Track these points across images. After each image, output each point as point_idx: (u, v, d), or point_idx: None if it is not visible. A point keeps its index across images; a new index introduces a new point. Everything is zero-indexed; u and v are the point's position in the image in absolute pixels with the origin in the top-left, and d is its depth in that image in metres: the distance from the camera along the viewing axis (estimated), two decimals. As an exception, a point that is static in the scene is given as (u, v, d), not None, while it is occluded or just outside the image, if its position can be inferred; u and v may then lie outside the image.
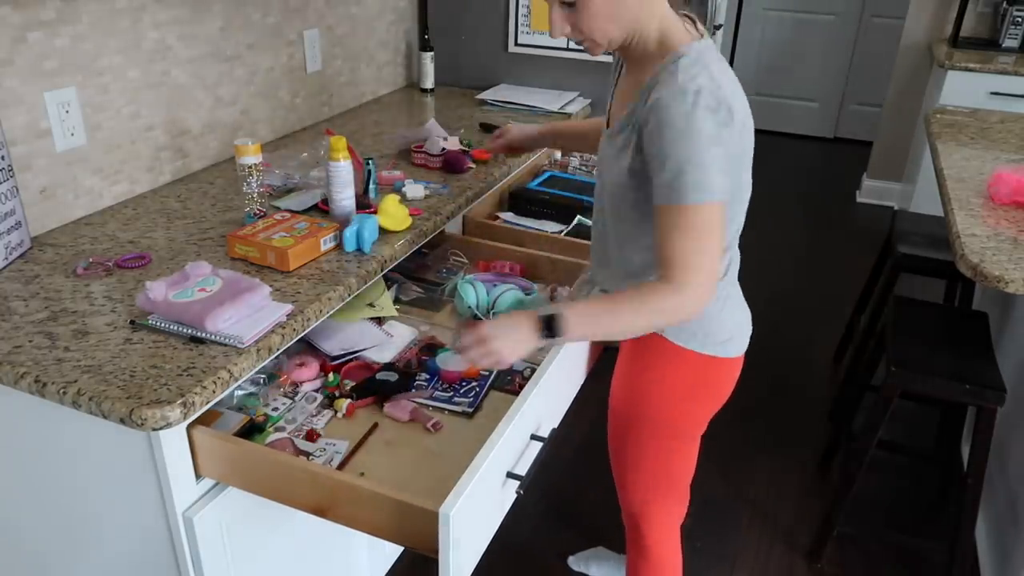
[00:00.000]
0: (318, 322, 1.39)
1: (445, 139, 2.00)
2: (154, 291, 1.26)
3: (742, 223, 1.35)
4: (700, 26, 1.26)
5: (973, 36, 3.93)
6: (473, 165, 2.02)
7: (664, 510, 1.57)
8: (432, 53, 2.74)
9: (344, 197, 1.59)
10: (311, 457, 1.29)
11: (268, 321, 1.27)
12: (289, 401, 1.42)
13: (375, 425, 1.38)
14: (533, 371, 1.46)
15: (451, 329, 1.65)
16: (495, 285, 1.68)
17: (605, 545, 2.12)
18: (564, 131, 1.79)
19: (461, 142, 2.09)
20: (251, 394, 1.41)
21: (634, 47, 1.25)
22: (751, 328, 1.45)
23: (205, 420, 1.24)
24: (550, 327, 1.18)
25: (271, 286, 1.36)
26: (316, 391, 1.45)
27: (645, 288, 1.19)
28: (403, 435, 1.37)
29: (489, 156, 2.05)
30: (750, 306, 1.44)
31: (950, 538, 1.97)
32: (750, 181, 1.31)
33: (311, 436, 1.34)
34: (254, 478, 1.21)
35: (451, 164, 1.98)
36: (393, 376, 1.48)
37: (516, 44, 2.77)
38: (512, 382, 1.50)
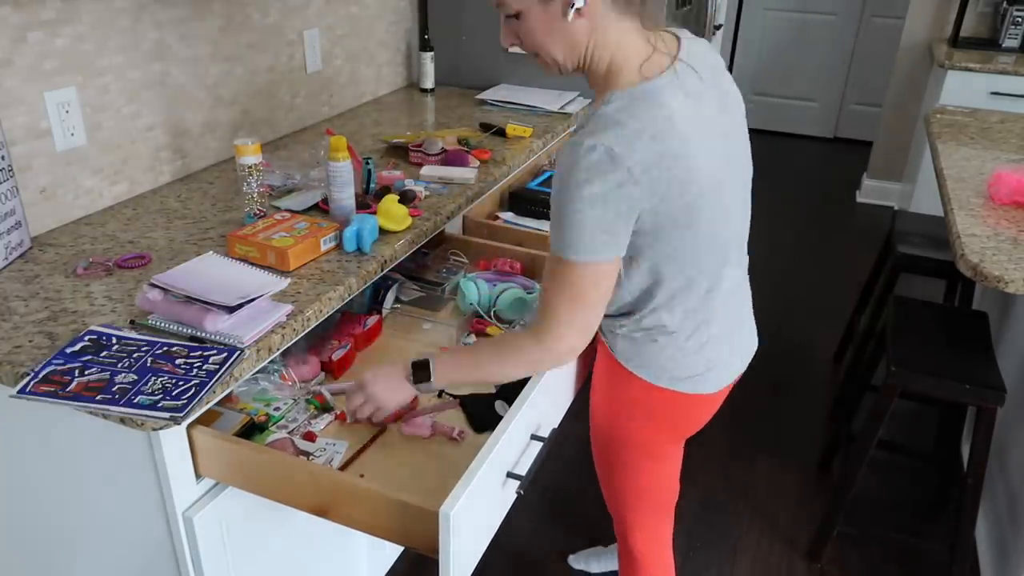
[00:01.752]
0: (317, 322, 1.39)
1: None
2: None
3: (721, 262, 1.24)
4: (681, 48, 1.17)
5: (973, 36, 3.93)
6: (477, 162, 2.01)
7: (648, 523, 1.53)
8: (432, 53, 2.74)
9: (344, 197, 1.59)
10: (311, 457, 1.29)
11: (268, 321, 1.27)
12: (291, 401, 1.42)
13: (383, 429, 1.37)
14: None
15: (452, 327, 1.65)
16: (496, 284, 1.68)
17: (604, 544, 2.12)
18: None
19: (459, 141, 2.09)
20: (263, 390, 1.42)
21: (590, 75, 1.19)
22: (740, 364, 1.36)
23: (205, 420, 1.24)
24: (419, 374, 1.24)
25: (271, 286, 1.35)
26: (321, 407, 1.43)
27: (509, 337, 1.22)
28: (402, 436, 1.37)
29: (488, 156, 2.05)
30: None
31: (950, 538, 1.97)
32: (716, 237, 1.19)
33: (310, 437, 1.34)
34: (254, 478, 1.21)
35: (451, 164, 1.98)
36: (506, 408, 1.38)
37: (516, 44, 2.77)
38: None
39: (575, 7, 1.10)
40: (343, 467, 1.28)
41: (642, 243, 1.16)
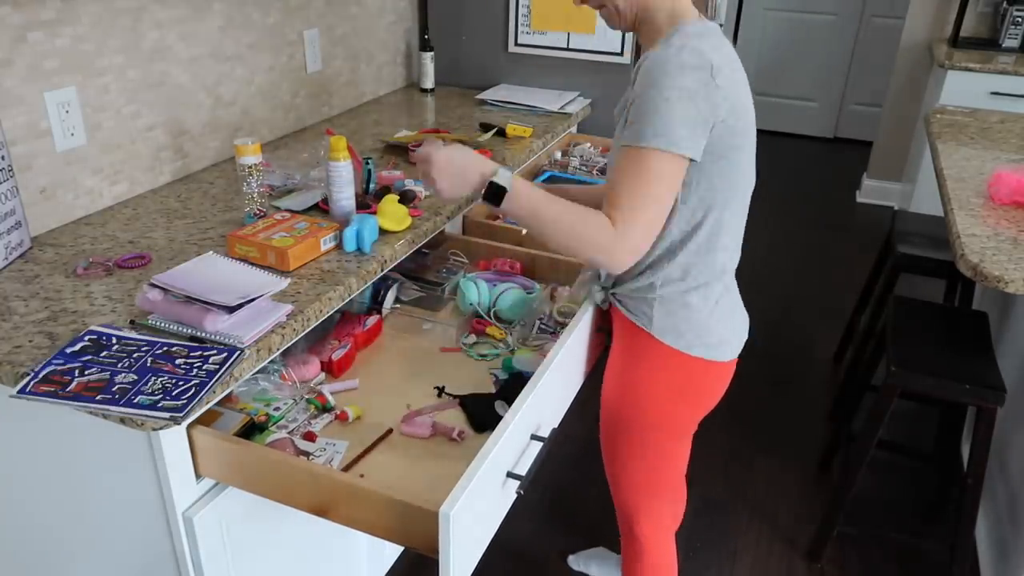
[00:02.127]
0: (317, 322, 1.39)
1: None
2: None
3: (738, 225, 1.34)
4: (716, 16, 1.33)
5: (973, 36, 3.93)
6: None
7: (656, 510, 1.56)
8: (432, 53, 2.74)
9: (344, 197, 1.59)
10: (311, 457, 1.29)
11: (268, 321, 1.27)
12: (291, 401, 1.42)
13: (389, 431, 1.37)
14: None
15: (452, 327, 1.65)
16: (496, 284, 1.68)
17: (605, 545, 2.12)
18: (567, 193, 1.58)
19: (460, 141, 2.09)
20: (263, 390, 1.42)
21: (645, 28, 1.30)
22: (746, 333, 1.45)
23: (205, 420, 1.24)
24: (492, 197, 1.25)
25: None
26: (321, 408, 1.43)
27: (591, 217, 1.21)
28: (402, 436, 1.37)
29: (489, 156, 2.05)
30: (750, 306, 1.43)
31: (950, 538, 1.97)
32: (747, 178, 1.30)
33: (310, 437, 1.34)
34: (254, 478, 1.21)
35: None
36: (506, 408, 1.38)
37: (516, 44, 2.77)
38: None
39: None
40: (346, 468, 1.28)
41: (704, 161, 1.22)
